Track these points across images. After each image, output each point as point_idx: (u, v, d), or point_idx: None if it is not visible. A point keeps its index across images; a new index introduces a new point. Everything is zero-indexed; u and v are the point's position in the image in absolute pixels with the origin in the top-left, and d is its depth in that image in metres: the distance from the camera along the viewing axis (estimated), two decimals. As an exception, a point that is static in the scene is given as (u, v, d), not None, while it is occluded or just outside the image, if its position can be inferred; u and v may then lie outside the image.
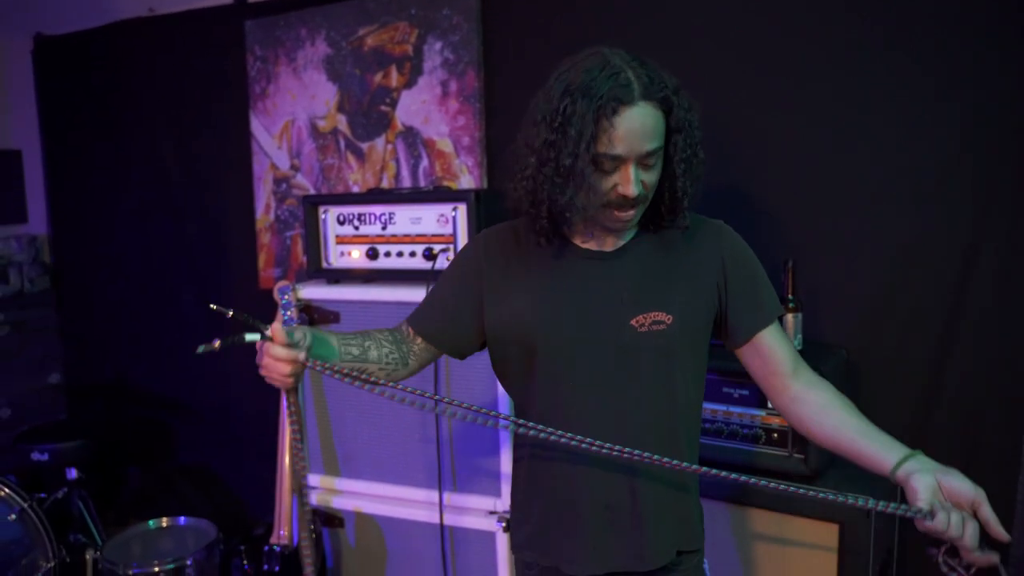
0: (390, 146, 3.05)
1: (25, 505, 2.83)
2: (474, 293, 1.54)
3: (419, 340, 1.58)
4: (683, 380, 1.46)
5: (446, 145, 2.94)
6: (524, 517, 1.59)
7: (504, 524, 2.44)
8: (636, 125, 1.29)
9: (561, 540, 1.51)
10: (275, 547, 2.52)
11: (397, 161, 3.05)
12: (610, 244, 1.48)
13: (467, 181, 2.91)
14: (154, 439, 3.58)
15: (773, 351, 1.47)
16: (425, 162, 2.99)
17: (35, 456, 3.18)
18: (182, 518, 3.17)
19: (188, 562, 2.94)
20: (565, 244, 1.49)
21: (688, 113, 1.37)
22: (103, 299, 3.72)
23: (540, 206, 1.39)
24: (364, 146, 3.10)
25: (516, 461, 1.63)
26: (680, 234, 1.48)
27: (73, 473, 3.18)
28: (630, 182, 1.33)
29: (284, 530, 2.52)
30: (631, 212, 1.39)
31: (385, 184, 3.07)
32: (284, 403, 2.57)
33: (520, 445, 1.61)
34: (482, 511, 2.49)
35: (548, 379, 1.48)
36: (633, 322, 1.41)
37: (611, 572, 1.48)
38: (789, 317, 2.25)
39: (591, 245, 1.48)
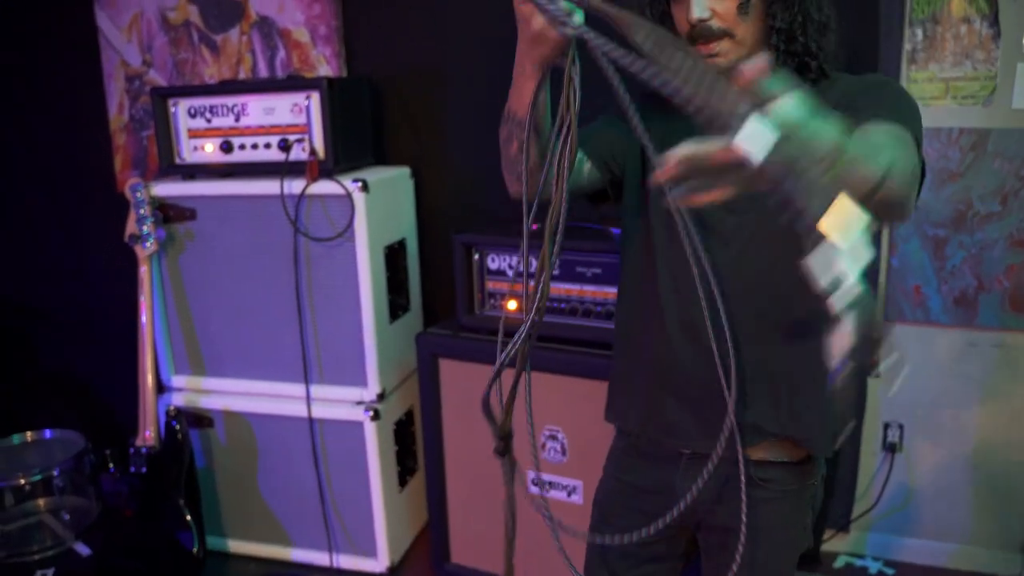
0: (245, 37, 2.93)
1: None
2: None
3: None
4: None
5: (303, 35, 2.83)
6: (627, 388, 1.51)
7: (372, 413, 2.47)
8: None
9: (664, 413, 1.42)
10: (141, 448, 2.49)
11: (253, 53, 2.93)
12: None
13: (325, 72, 2.82)
14: (11, 349, 3.44)
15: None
16: (282, 53, 2.88)
17: None
18: (48, 431, 3.09)
19: (55, 472, 2.87)
20: None
21: None
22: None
23: None
24: (218, 38, 2.97)
25: (618, 335, 1.54)
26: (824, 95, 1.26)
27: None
28: (692, 3, 1.23)
29: (150, 430, 2.49)
30: (713, 46, 1.25)
31: (243, 77, 2.96)
32: (142, 301, 2.51)
33: (622, 320, 1.53)
34: (349, 402, 2.52)
35: (659, 227, 1.39)
36: None
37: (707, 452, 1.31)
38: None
39: None
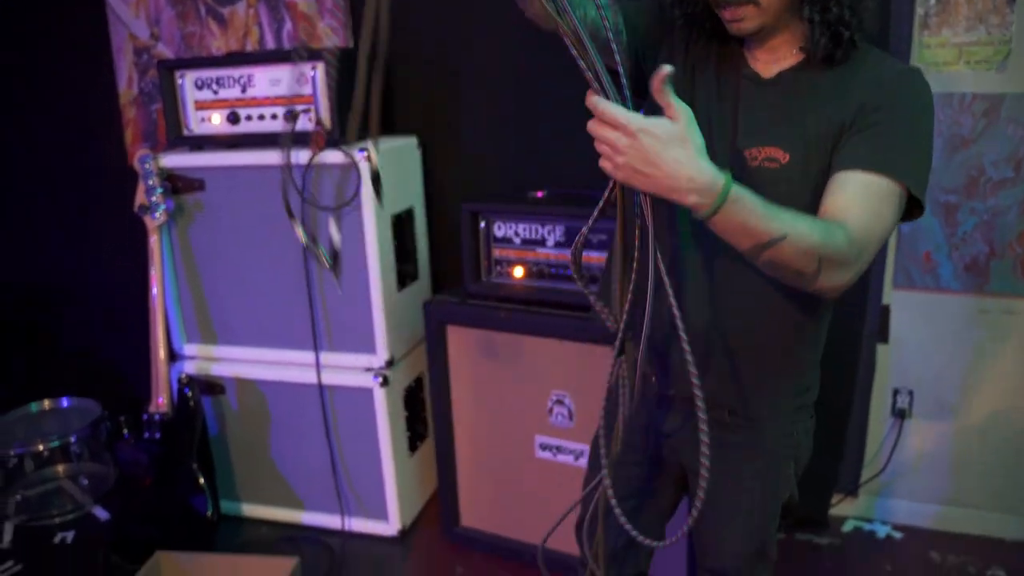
0: (252, 10, 2.92)
1: None
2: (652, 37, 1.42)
3: None
4: None
5: (309, 7, 2.83)
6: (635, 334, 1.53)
7: (381, 379, 2.50)
8: None
9: (657, 360, 1.47)
10: (155, 415, 2.53)
11: (260, 26, 2.93)
12: (764, 68, 1.33)
13: (332, 43, 2.82)
14: (27, 322, 3.49)
15: (833, 198, 1.21)
16: (289, 25, 2.88)
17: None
18: (65, 399, 3.15)
19: (73, 439, 2.93)
20: (738, 59, 1.36)
21: None
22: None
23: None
24: (225, 11, 2.97)
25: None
26: (846, 72, 1.27)
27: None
28: None
29: (162, 397, 2.52)
30: (739, 12, 1.24)
31: (249, 50, 2.96)
32: (152, 271, 2.53)
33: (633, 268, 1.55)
34: (359, 368, 2.54)
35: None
36: (746, 153, 1.30)
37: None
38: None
39: (755, 66, 1.34)
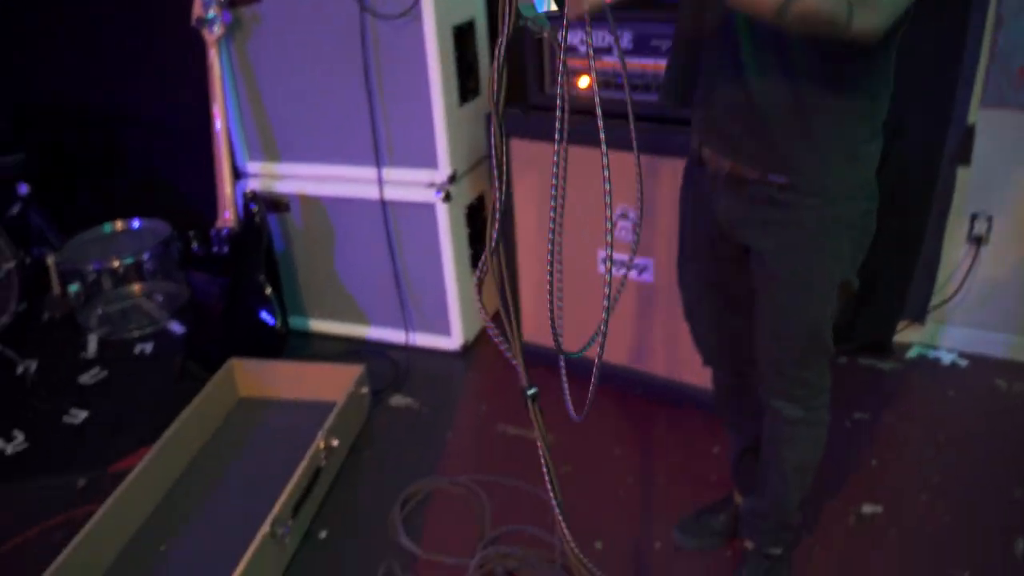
0: None
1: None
2: None
3: None
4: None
5: None
6: (695, 114, 1.57)
7: (443, 194, 2.48)
8: None
9: (702, 130, 1.52)
10: (222, 230, 2.57)
11: None
12: None
13: None
14: (97, 149, 3.54)
15: None
16: None
17: (-24, 172, 3.16)
18: (136, 220, 3.23)
19: (145, 256, 3.03)
20: None
21: None
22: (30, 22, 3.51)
23: None
24: None
25: None
26: None
27: (24, 189, 3.18)
28: None
29: (228, 212, 2.56)
30: None
31: None
32: (213, 85, 2.52)
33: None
34: (421, 184, 2.53)
35: None
36: None
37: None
38: None
39: None
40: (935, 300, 2.63)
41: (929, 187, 2.47)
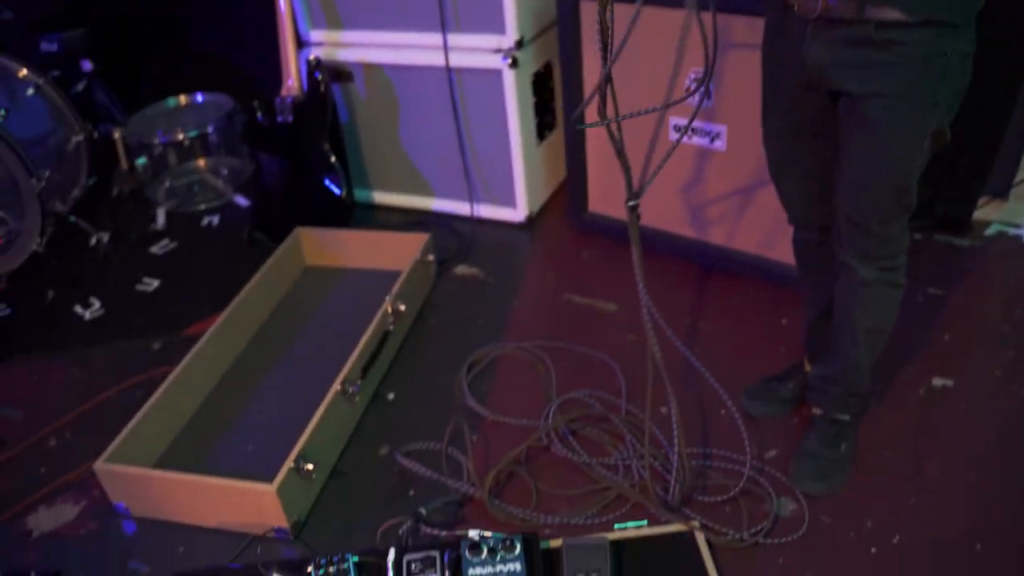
0: None
1: (40, 81, 2.84)
2: None
3: None
4: None
5: None
6: None
7: (510, 60, 2.42)
8: None
9: None
10: (286, 98, 2.55)
11: None
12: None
13: None
14: (162, 27, 3.52)
15: None
16: None
17: (44, 47, 3.16)
18: (199, 94, 3.22)
19: (210, 129, 3.04)
20: None
21: None
22: None
23: None
24: None
25: None
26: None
27: (88, 65, 3.18)
28: None
29: (292, 80, 2.54)
30: None
31: None
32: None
33: None
34: (487, 50, 2.46)
35: None
36: None
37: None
38: None
39: None
40: (1019, 175, 2.52)
41: (1021, 55, 2.33)
